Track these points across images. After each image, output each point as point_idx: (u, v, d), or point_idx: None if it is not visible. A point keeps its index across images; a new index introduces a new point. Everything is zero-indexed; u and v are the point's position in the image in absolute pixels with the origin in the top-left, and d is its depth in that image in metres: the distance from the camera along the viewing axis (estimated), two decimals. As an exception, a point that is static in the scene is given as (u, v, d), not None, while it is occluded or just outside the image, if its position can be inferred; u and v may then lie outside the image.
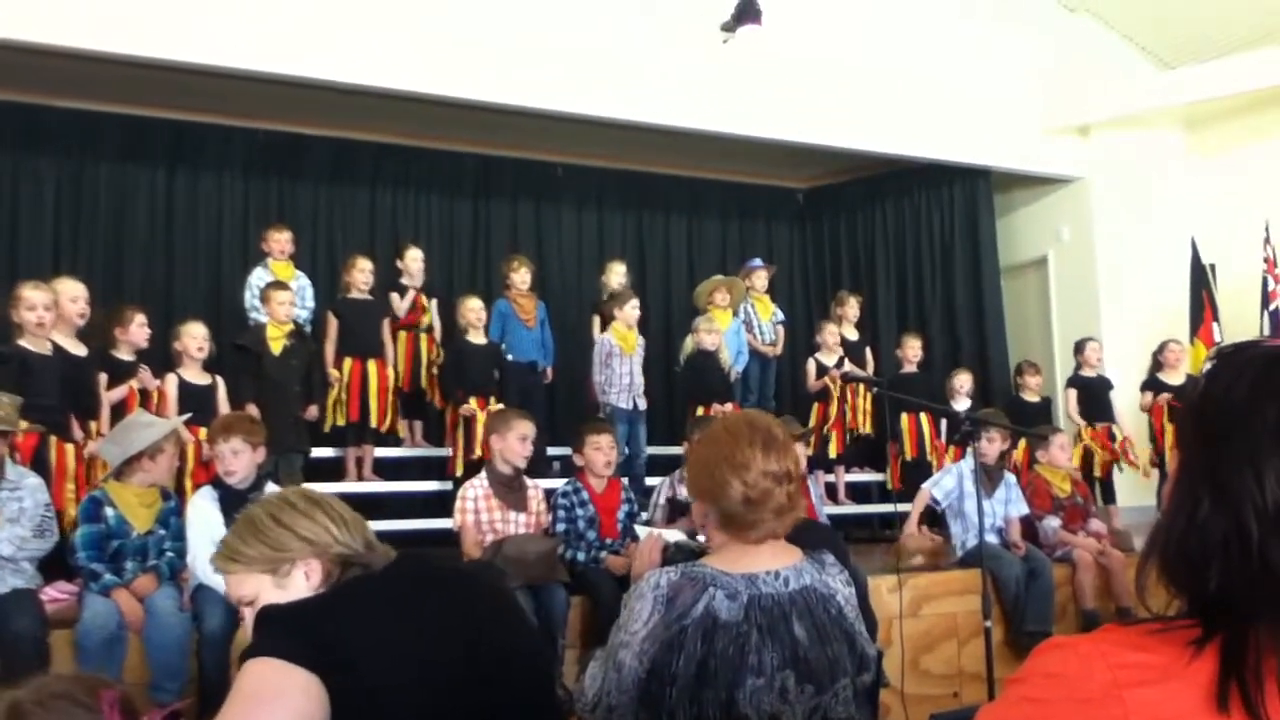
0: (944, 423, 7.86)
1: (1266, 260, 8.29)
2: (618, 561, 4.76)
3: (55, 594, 4.32)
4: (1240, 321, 8.19)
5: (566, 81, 7.27)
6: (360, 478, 6.89)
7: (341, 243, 8.53)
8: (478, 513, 4.82)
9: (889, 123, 8.36)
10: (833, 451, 7.87)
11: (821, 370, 7.97)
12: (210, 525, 4.05)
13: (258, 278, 6.87)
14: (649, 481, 6.66)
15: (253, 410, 5.78)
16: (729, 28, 7.45)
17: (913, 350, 8.16)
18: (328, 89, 7.10)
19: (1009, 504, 5.94)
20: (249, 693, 1.48)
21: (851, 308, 8.48)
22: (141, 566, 4.17)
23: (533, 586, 4.51)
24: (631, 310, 7.17)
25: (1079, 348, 8.00)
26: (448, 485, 6.63)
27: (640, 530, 4.63)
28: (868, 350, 8.50)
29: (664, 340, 8.93)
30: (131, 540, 4.19)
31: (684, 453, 1.89)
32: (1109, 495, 7.66)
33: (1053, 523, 6.05)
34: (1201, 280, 8.52)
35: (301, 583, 1.74)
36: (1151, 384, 7.77)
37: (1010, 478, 6.09)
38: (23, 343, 4.98)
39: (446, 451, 6.97)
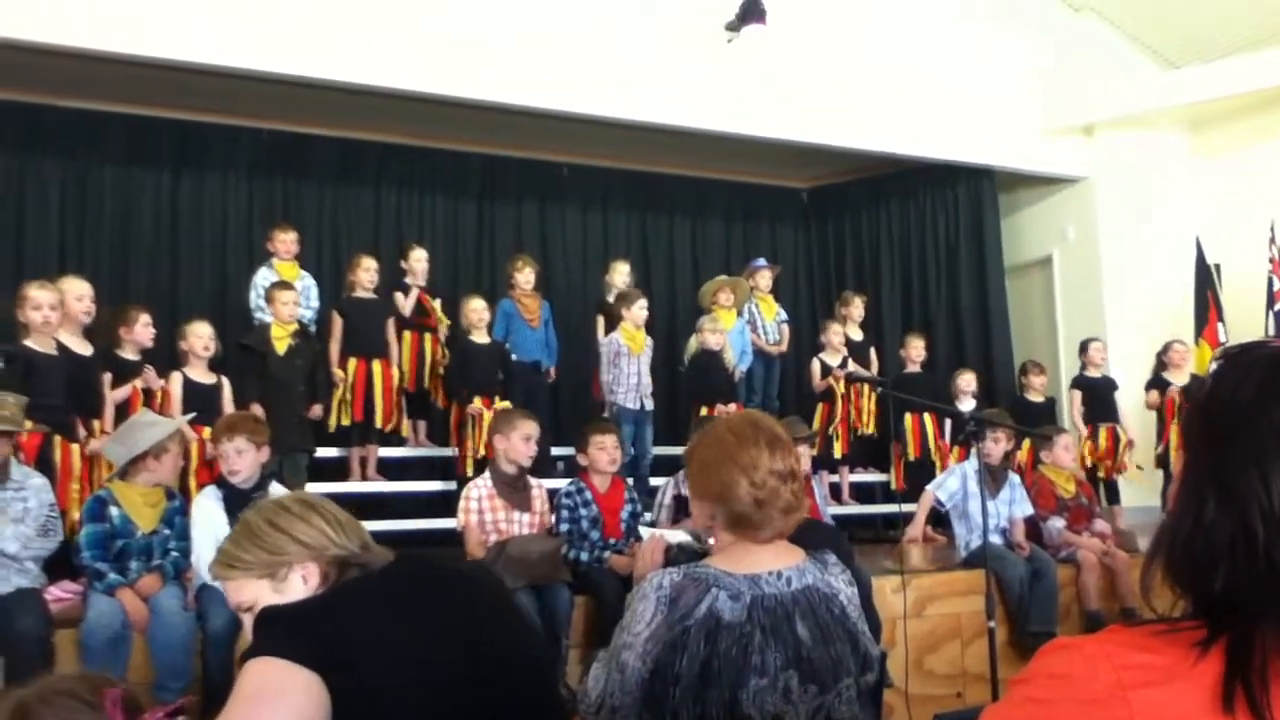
0: (948, 423, 7.86)
1: (1271, 260, 8.28)
2: (621, 561, 4.75)
3: (60, 593, 4.32)
4: (1245, 322, 8.18)
5: (570, 81, 7.27)
6: (364, 477, 6.89)
7: (346, 243, 8.53)
8: (481, 513, 4.82)
9: (893, 123, 8.35)
10: (837, 452, 7.87)
11: (826, 370, 7.97)
12: (214, 525, 4.06)
13: (263, 277, 6.87)
14: (653, 481, 6.66)
15: (257, 410, 5.79)
16: (734, 27, 7.46)
17: (916, 350, 8.16)
18: (332, 89, 7.11)
19: (1013, 504, 5.93)
20: (251, 692, 1.48)
21: (856, 307, 8.48)
22: (146, 566, 4.18)
23: (537, 586, 4.52)
24: (639, 310, 7.17)
25: (1083, 348, 8.00)
26: (451, 485, 6.63)
27: (644, 531, 4.63)
28: (872, 350, 8.50)
29: (668, 340, 8.93)
30: (136, 540, 4.20)
31: (684, 453, 1.88)
32: (1113, 496, 7.66)
33: (1057, 523, 6.04)
34: (1206, 280, 8.51)
35: (299, 586, 1.75)
36: (1157, 383, 7.77)
37: (1014, 478, 6.07)
38: (28, 342, 4.99)
39: (450, 451, 6.97)
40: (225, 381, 5.94)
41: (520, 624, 1.93)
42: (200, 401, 5.62)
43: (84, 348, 5.37)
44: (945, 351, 9.25)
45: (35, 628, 3.82)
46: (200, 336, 5.84)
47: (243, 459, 4.32)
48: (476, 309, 6.95)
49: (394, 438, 7.10)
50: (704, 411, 6.86)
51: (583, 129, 8.13)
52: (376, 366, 6.78)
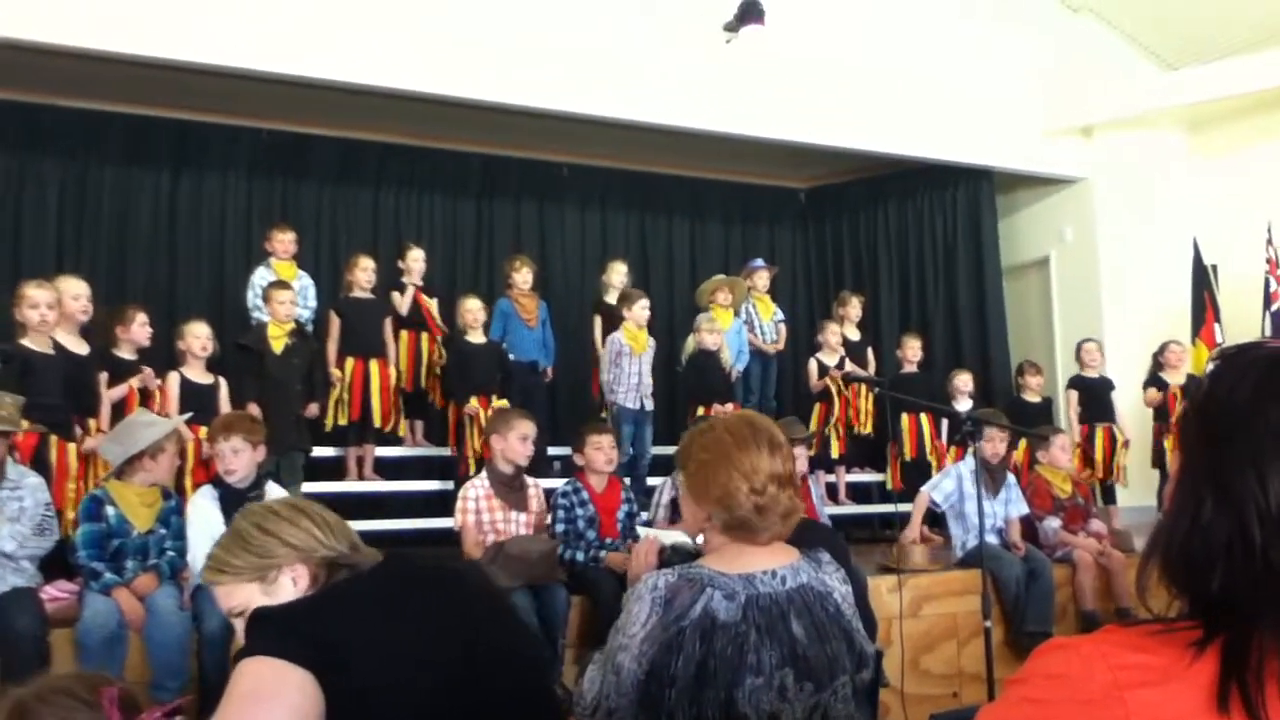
0: (944, 423, 7.86)
1: (1268, 261, 8.29)
2: (617, 558, 4.74)
3: (56, 593, 4.32)
4: (1242, 322, 8.20)
5: (569, 81, 7.27)
6: (361, 477, 6.89)
7: (345, 242, 8.53)
8: (478, 512, 4.82)
9: (891, 123, 8.36)
10: (834, 451, 7.87)
11: (823, 370, 7.98)
12: (210, 524, 4.05)
13: (260, 277, 6.87)
14: (651, 481, 6.67)
15: (254, 410, 5.78)
16: (732, 28, 7.46)
17: (913, 350, 8.16)
18: (331, 89, 7.10)
19: (1009, 504, 5.94)
20: (246, 692, 1.48)
21: (854, 307, 8.49)
22: (142, 565, 4.18)
23: (534, 586, 4.52)
24: (641, 310, 7.16)
25: (1077, 349, 8.01)
26: (449, 485, 6.63)
27: (642, 531, 4.63)
28: (869, 350, 8.50)
29: (666, 340, 8.92)
30: (132, 539, 4.19)
31: (676, 452, 1.86)
32: (1109, 496, 7.66)
33: (1053, 523, 6.05)
34: (1203, 281, 8.52)
35: (289, 588, 1.76)
36: (1154, 383, 7.77)
37: (1011, 478, 6.08)
38: (25, 341, 4.99)
39: (447, 451, 6.97)
40: (223, 382, 5.93)
41: (516, 623, 1.93)
42: (198, 401, 5.61)
43: (80, 347, 5.37)
44: (942, 352, 9.25)
45: (31, 627, 3.81)
46: (198, 336, 5.84)
47: (239, 458, 4.32)
48: (472, 309, 6.95)
49: (391, 437, 7.10)
50: (701, 411, 6.86)
51: (581, 129, 8.13)
52: (374, 366, 6.78)
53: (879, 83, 8.22)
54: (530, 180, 9.43)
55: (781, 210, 10.60)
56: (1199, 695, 0.82)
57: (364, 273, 6.92)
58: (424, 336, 7.26)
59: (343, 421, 6.72)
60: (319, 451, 6.66)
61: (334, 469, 6.90)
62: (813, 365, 8.08)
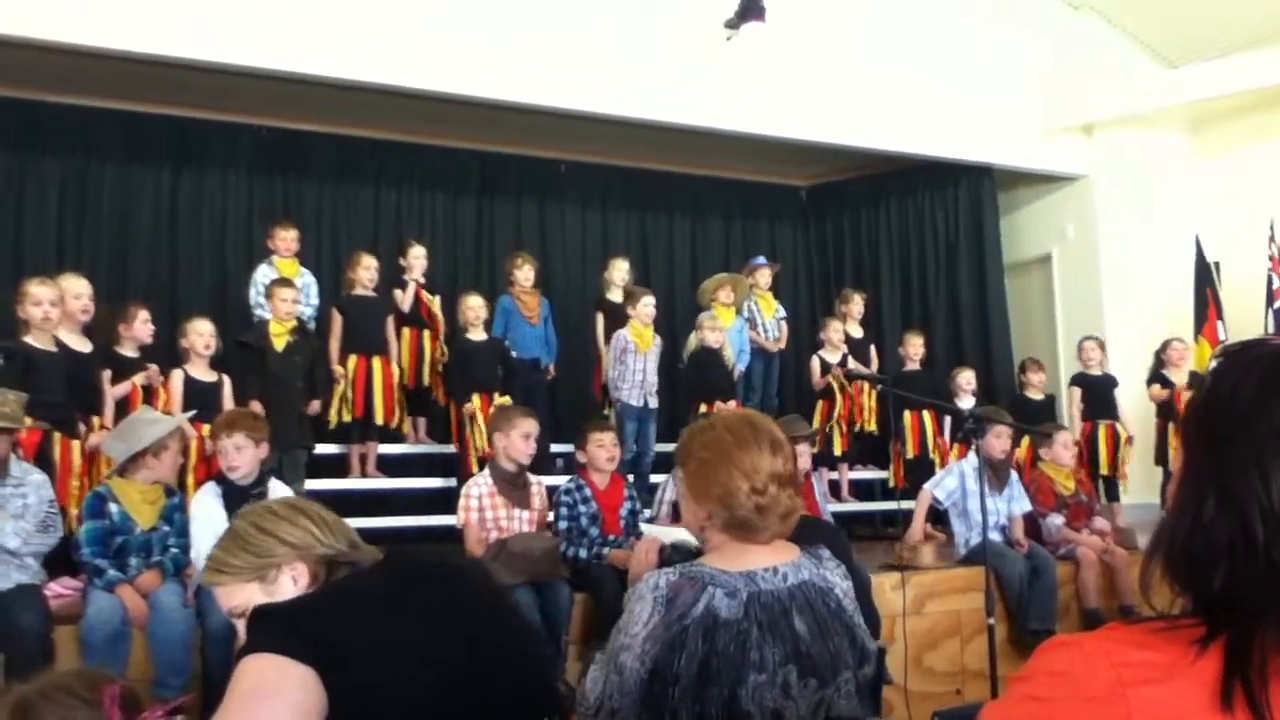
0: (947, 420, 7.86)
1: (1271, 258, 8.29)
2: (620, 555, 4.74)
3: (60, 590, 4.33)
4: (1244, 320, 8.18)
5: (569, 79, 7.27)
6: (364, 474, 6.89)
7: (346, 240, 8.53)
8: (481, 510, 4.82)
9: (893, 120, 8.35)
10: (837, 449, 7.87)
11: (825, 368, 7.97)
12: (214, 521, 4.05)
13: (263, 275, 6.88)
14: (654, 479, 6.66)
15: (257, 407, 5.79)
16: (733, 25, 7.44)
17: (915, 348, 8.15)
18: (332, 86, 7.11)
19: (1012, 501, 5.94)
20: (248, 689, 1.48)
21: (856, 305, 8.48)
22: (145, 563, 4.18)
23: (537, 584, 4.52)
24: (645, 308, 7.15)
25: (1078, 347, 8.01)
26: (451, 482, 6.63)
27: (645, 528, 4.63)
28: (871, 348, 8.50)
29: (666, 338, 8.92)
30: (135, 536, 4.20)
31: (676, 450, 1.86)
32: (1113, 493, 7.66)
33: (1056, 520, 6.05)
34: (1206, 278, 8.52)
35: (289, 586, 1.76)
36: (1157, 380, 7.77)
37: (1014, 475, 6.08)
38: (28, 339, 5.00)
39: (450, 448, 6.97)
40: (226, 379, 5.93)
41: (519, 621, 1.94)
42: (201, 399, 5.62)
43: (83, 345, 5.38)
44: (944, 349, 9.26)
45: (35, 624, 3.82)
46: (201, 334, 5.84)
47: (242, 455, 4.32)
48: (474, 307, 6.95)
49: (394, 434, 7.10)
50: (703, 409, 6.86)
51: (582, 126, 8.13)
52: (376, 363, 6.78)
53: (880, 80, 8.21)
54: (530, 178, 9.43)
55: (782, 208, 10.60)
56: (1202, 693, 0.82)
57: (366, 271, 6.92)
58: (426, 334, 7.26)
59: (346, 419, 6.72)
60: (322, 449, 6.66)
61: (337, 466, 6.90)
62: (815, 363, 8.07)
